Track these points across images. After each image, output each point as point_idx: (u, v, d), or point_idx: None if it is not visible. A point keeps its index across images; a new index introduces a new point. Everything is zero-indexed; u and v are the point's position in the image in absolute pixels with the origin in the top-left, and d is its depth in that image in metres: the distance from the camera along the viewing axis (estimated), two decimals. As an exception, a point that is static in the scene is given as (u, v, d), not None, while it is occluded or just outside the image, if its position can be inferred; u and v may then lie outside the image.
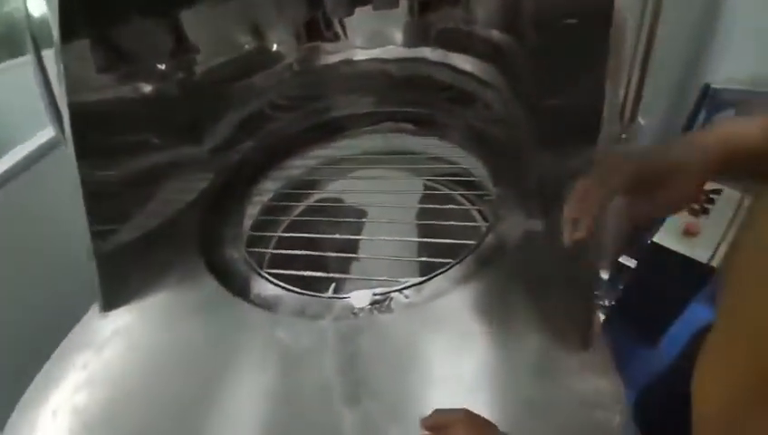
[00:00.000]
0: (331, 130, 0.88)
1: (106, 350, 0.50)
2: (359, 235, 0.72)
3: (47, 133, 0.88)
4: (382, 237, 0.65)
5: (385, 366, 0.43)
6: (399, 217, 0.69)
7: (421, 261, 0.60)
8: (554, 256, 0.49)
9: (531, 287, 0.47)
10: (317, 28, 0.89)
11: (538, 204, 0.56)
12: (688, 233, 0.77)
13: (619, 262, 0.94)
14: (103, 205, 0.57)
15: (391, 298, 0.51)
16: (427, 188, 0.79)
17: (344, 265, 0.67)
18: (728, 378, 0.29)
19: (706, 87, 1.05)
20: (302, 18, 0.86)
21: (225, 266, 0.60)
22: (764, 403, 0.25)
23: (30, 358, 0.51)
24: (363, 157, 0.84)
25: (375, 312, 0.49)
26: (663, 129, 1.17)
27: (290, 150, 0.84)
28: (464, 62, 0.81)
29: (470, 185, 0.74)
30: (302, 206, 0.80)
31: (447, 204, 0.72)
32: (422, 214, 0.71)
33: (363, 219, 0.74)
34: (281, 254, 0.66)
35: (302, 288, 0.55)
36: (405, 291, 0.52)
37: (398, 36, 0.87)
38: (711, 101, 1.06)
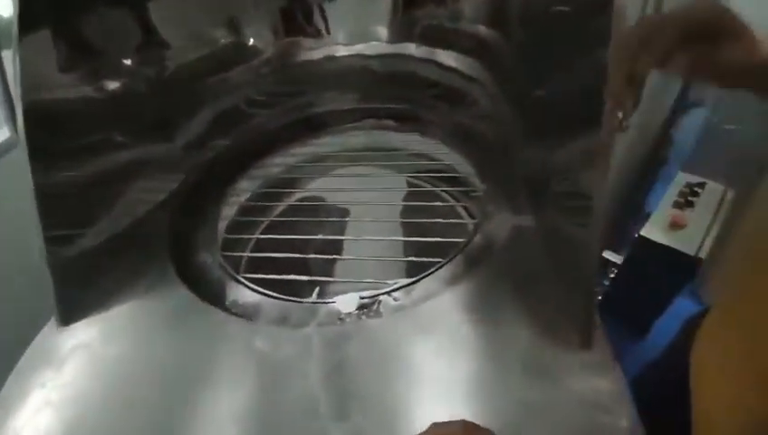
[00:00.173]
0: (312, 126, 0.85)
1: (66, 367, 0.45)
2: (342, 235, 0.69)
3: (2, 134, 0.82)
4: (367, 237, 0.62)
5: (375, 375, 0.40)
6: (384, 215, 0.66)
7: (408, 261, 0.58)
8: (548, 252, 0.48)
9: (524, 285, 0.45)
10: (297, 23, 0.86)
11: (527, 199, 0.55)
12: (675, 226, 0.77)
13: (604, 257, 0.95)
14: (62, 209, 0.53)
15: (380, 301, 0.48)
16: (411, 185, 0.77)
17: (328, 268, 0.64)
18: (727, 367, 0.27)
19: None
20: (278, 6, 0.83)
21: (197, 272, 0.56)
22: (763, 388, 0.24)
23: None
24: (345, 154, 0.82)
25: (363, 316, 0.46)
26: (643, 123, 1.18)
27: (268, 148, 0.80)
28: (449, 58, 0.80)
29: (455, 181, 0.72)
30: (281, 206, 0.76)
31: (432, 201, 0.70)
32: (407, 212, 0.69)
33: (346, 218, 0.71)
34: (259, 257, 0.62)
35: (282, 293, 0.51)
36: (394, 293, 0.49)
37: (382, 32, 0.85)
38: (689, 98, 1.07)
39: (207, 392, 0.41)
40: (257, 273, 0.55)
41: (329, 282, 0.58)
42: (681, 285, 0.80)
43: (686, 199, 0.80)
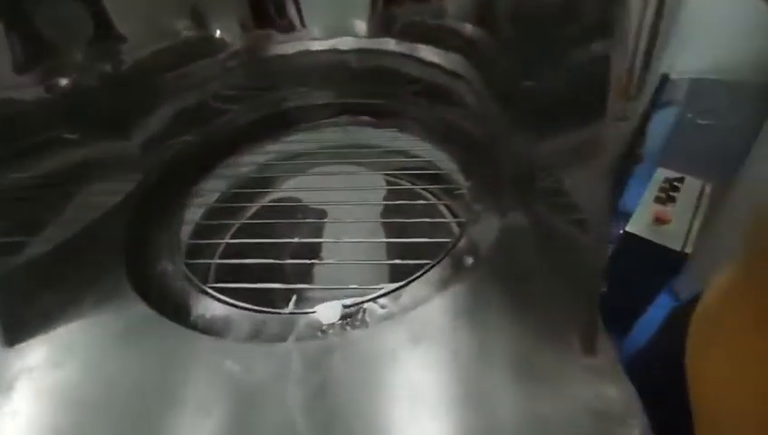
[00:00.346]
0: (285, 122, 0.81)
1: (14, 393, 0.39)
2: (320, 237, 0.65)
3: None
4: (347, 239, 0.58)
5: (362, 395, 0.35)
6: (364, 215, 0.63)
7: (393, 264, 0.54)
8: (541, 252, 0.45)
9: (518, 287, 0.42)
10: (268, 15, 0.82)
11: (514, 196, 0.53)
12: (659, 221, 0.77)
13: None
14: (7, 214, 0.49)
15: (364, 309, 0.44)
16: (390, 183, 0.74)
17: (306, 274, 0.59)
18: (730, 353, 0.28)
19: (665, 78, 1.07)
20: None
21: (157, 284, 0.50)
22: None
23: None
24: (320, 151, 0.77)
25: (347, 327, 0.42)
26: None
27: (237, 145, 0.76)
28: (432, 53, 0.78)
29: (437, 179, 0.70)
30: (253, 207, 0.71)
31: (414, 199, 0.68)
32: (387, 212, 0.65)
33: (324, 220, 0.67)
34: (229, 264, 0.57)
35: (256, 304, 0.47)
36: (380, 300, 0.45)
37: (361, 27, 0.82)
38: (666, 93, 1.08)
39: (169, 421, 0.35)
40: (226, 282, 0.50)
41: (307, 289, 0.54)
42: (667, 280, 0.80)
43: (668, 195, 0.80)
